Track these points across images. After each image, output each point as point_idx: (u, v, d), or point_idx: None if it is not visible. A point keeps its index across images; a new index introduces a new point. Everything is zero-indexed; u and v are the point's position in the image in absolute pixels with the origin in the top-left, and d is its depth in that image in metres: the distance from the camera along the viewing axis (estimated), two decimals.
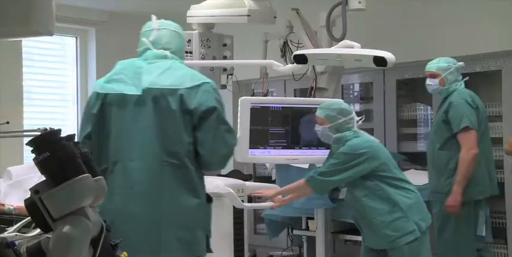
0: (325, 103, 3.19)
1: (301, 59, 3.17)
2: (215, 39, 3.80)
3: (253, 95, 4.31)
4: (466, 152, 3.54)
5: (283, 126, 3.45)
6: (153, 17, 2.45)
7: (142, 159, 2.24)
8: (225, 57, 3.88)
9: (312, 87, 4.00)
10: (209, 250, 2.35)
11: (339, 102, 3.24)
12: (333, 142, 3.13)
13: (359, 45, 3.28)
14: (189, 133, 2.25)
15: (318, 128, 3.16)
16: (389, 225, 2.96)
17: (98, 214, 1.34)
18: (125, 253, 1.39)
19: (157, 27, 2.40)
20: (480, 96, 3.77)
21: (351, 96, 5.26)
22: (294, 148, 3.48)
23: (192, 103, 2.23)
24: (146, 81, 2.27)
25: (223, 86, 3.93)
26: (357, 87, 5.21)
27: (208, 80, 2.34)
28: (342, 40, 3.81)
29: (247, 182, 3.54)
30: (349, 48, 3.19)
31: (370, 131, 4.89)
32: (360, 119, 3.18)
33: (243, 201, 3.32)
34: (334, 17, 3.91)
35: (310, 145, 3.41)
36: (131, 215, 2.23)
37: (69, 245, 1.23)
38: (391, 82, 4.73)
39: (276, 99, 3.50)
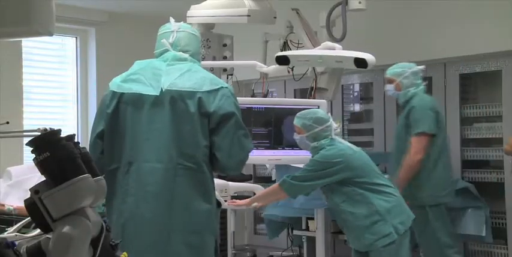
0: (302, 112, 3.22)
1: (283, 60, 3.20)
2: (215, 40, 3.80)
3: (253, 95, 4.32)
4: (412, 156, 3.60)
5: (266, 127, 3.49)
6: (172, 20, 2.44)
7: (157, 161, 2.22)
8: (225, 58, 3.89)
9: (312, 88, 4.00)
10: (217, 255, 2.34)
11: (314, 110, 3.26)
12: (311, 150, 3.18)
13: (340, 47, 3.33)
14: (206, 136, 2.24)
15: (296, 136, 3.21)
16: (368, 229, 3.01)
17: (98, 214, 1.34)
18: (124, 253, 1.39)
19: (177, 29, 2.39)
20: (480, 97, 3.78)
21: (351, 96, 5.26)
22: (277, 149, 3.52)
23: (211, 107, 2.23)
24: (166, 83, 2.25)
25: None
26: (357, 87, 5.21)
27: (226, 84, 2.34)
28: (342, 40, 3.81)
29: (230, 182, 3.55)
30: (331, 49, 3.22)
31: (370, 131, 4.90)
32: (338, 127, 3.24)
33: (226, 201, 3.33)
34: (334, 17, 3.91)
35: (293, 146, 3.44)
36: (143, 217, 2.22)
37: (69, 246, 1.23)
38: None
39: (259, 100, 3.52)
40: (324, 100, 3.68)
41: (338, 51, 3.22)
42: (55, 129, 1.32)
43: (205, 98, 2.23)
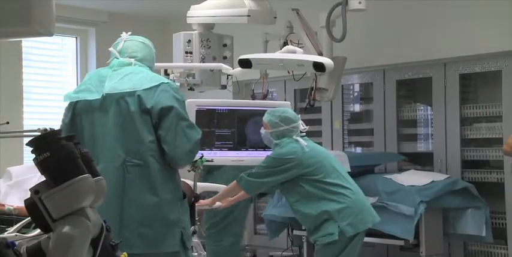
0: (272, 109, 3.34)
1: (245, 64, 3.24)
2: (215, 40, 3.80)
3: (253, 95, 4.32)
4: None
5: (229, 128, 3.53)
6: (123, 33, 2.61)
7: (106, 161, 2.34)
8: (225, 58, 3.88)
9: (312, 88, 4.00)
10: (186, 246, 2.39)
11: (284, 109, 3.34)
12: (273, 146, 3.27)
13: (301, 50, 3.39)
14: (150, 132, 2.34)
15: (262, 131, 3.31)
16: (318, 228, 3.13)
17: (98, 214, 1.34)
18: (124, 253, 1.39)
19: (125, 38, 2.56)
20: (480, 97, 3.76)
21: (351, 96, 5.26)
22: (240, 150, 3.58)
23: (149, 103, 2.34)
24: (107, 87, 2.40)
25: (224, 87, 3.93)
26: (357, 87, 5.20)
27: (167, 80, 2.45)
28: (342, 40, 3.81)
29: (198, 183, 3.57)
30: (292, 53, 3.27)
31: (370, 132, 4.90)
32: (304, 129, 3.30)
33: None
34: (334, 18, 3.91)
35: (256, 147, 3.50)
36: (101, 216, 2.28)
37: (69, 246, 1.23)
38: (391, 82, 4.73)
39: (222, 102, 3.57)
40: (287, 102, 3.74)
41: (298, 55, 3.30)
42: (55, 129, 1.32)
43: (144, 95, 2.35)
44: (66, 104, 2.51)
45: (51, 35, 1.19)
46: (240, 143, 3.58)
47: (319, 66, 3.12)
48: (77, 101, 2.43)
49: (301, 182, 3.16)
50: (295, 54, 3.28)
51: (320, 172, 3.15)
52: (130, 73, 2.43)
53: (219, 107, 3.55)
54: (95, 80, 2.45)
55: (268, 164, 3.18)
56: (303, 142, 3.23)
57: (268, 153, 3.32)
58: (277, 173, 3.15)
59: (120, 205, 2.32)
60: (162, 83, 2.38)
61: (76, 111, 2.44)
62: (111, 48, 2.55)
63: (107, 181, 2.27)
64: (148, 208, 2.32)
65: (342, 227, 3.07)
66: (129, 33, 2.58)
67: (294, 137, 3.23)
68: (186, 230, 2.40)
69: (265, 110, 3.35)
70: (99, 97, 2.38)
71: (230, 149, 3.58)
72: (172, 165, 2.41)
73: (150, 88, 2.35)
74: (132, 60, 2.48)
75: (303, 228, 4.29)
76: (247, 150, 3.59)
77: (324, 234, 3.11)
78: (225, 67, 3.54)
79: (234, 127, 3.56)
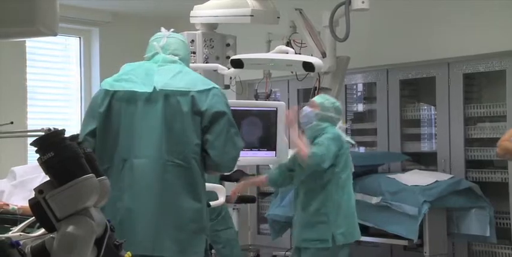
0: (326, 95, 3.44)
1: (237, 64, 3.25)
2: (218, 40, 3.80)
3: (256, 95, 4.32)
4: None
5: None
6: (163, 29, 2.53)
7: (148, 157, 2.26)
8: (228, 58, 3.88)
9: (315, 88, 4.00)
10: (207, 254, 2.36)
11: (338, 102, 3.46)
12: (310, 126, 3.29)
13: (293, 50, 3.41)
14: (198, 135, 2.29)
15: (306, 108, 3.35)
16: (310, 228, 3.17)
17: (102, 213, 1.34)
18: (129, 252, 1.39)
19: (168, 35, 2.49)
20: (484, 96, 3.75)
21: (354, 96, 5.25)
22: None
23: (203, 105, 2.29)
24: (159, 83, 2.31)
25: (227, 87, 3.93)
26: (360, 87, 5.20)
27: (216, 85, 2.41)
28: (345, 40, 3.81)
29: None
30: (284, 53, 3.29)
31: (374, 131, 4.90)
32: (341, 125, 3.38)
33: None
34: (338, 17, 3.91)
35: (251, 147, 3.48)
36: (138, 213, 2.25)
37: (73, 245, 1.23)
38: (394, 82, 4.72)
39: None
40: (282, 102, 3.74)
41: (289, 55, 3.30)
42: (59, 129, 1.33)
43: (198, 97, 2.30)
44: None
45: (55, 35, 1.20)
46: None
47: (308, 66, 3.13)
48: (116, 90, 2.32)
49: (324, 173, 3.16)
50: (284, 54, 3.30)
51: (343, 172, 3.20)
52: (180, 72, 2.36)
53: None
54: (139, 72, 2.36)
55: (329, 143, 3.16)
56: (344, 136, 3.29)
57: (264, 153, 3.33)
58: (335, 152, 3.17)
59: (158, 205, 2.25)
60: (214, 87, 2.34)
61: (115, 100, 2.30)
62: (153, 43, 2.45)
63: (146, 177, 2.22)
64: (186, 212, 2.26)
65: (334, 234, 3.11)
66: (172, 30, 2.51)
67: (336, 128, 3.29)
68: (208, 237, 2.36)
69: (260, 110, 3.36)
70: (149, 91, 2.29)
71: None
72: (214, 170, 2.38)
73: (203, 91, 2.30)
74: (176, 58, 2.42)
75: None
76: (242, 150, 3.58)
77: (316, 238, 3.13)
78: (220, 67, 3.54)
79: None
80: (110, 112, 2.31)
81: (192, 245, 2.29)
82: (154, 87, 2.30)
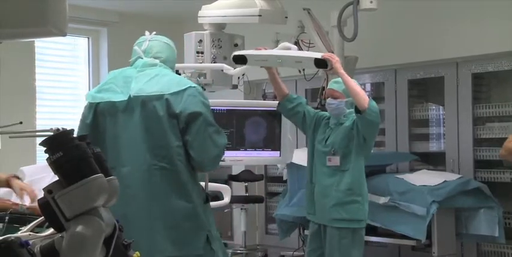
0: (337, 80, 3.26)
1: (240, 60, 3.19)
2: (226, 40, 3.80)
3: (264, 95, 4.32)
4: None
5: (227, 128, 3.52)
6: (147, 33, 2.56)
7: (132, 164, 2.31)
8: None
9: (323, 87, 3.99)
10: (212, 248, 2.38)
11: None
12: (347, 116, 3.23)
13: (295, 47, 3.36)
14: (177, 137, 2.31)
15: (332, 101, 3.24)
16: (342, 206, 3.16)
17: (111, 213, 1.34)
18: (137, 252, 1.40)
19: (150, 38, 2.51)
20: (493, 96, 3.74)
21: None
22: (239, 150, 3.55)
23: (177, 107, 2.30)
24: (134, 89, 2.36)
25: (235, 87, 3.92)
26: (368, 87, 5.19)
27: (194, 84, 2.41)
28: (353, 40, 3.80)
29: (201, 182, 3.61)
30: (287, 50, 3.24)
31: (382, 131, 4.88)
32: None
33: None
34: (346, 17, 3.90)
35: (255, 147, 3.49)
36: (126, 219, 2.25)
37: (82, 245, 1.24)
38: (402, 82, 4.71)
39: (220, 102, 3.57)
40: None
41: (298, 51, 3.27)
42: (68, 129, 1.33)
43: (172, 99, 2.31)
44: (79, 103, 2.49)
45: (64, 35, 1.20)
46: (239, 143, 3.56)
47: (321, 63, 3.08)
48: (99, 101, 2.38)
49: (366, 152, 3.19)
50: (294, 51, 3.25)
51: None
52: (156, 75, 2.39)
53: (217, 107, 3.53)
54: (119, 80, 2.40)
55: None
56: None
57: (268, 153, 3.32)
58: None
59: (148, 209, 2.30)
60: (190, 87, 2.35)
61: (99, 111, 2.38)
62: (135, 47, 2.49)
63: (133, 184, 2.25)
64: (176, 211, 2.30)
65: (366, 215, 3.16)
66: (154, 32, 2.53)
67: None
68: (211, 232, 2.38)
69: (264, 110, 3.34)
70: (126, 99, 2.34)
71: (229, 149, 3.58)
72: (199, 170, 2.39)
73: (178, 92, 2.32)
74: (157, 61, 2.44)
75: None
76: (246, 150, 3.57)
77: (352, 218, 3.13)
78: (226, 67, 3.54)
79: (233, 127, 3.56)
80: (95, 123, 2.38)
81: (189, 242, 2.33)
82: (129, 95, 2.34)
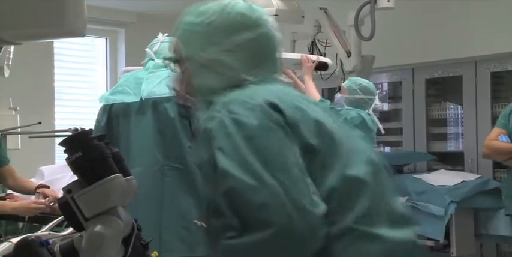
0: (355, 77, 3.45)
1: None
2: None
3: None
4: None
5: None
6: (160, 34, 2.59)
7: (142, 164, 2.33)
8: None
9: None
10: None
11: (365, 80, 3.45)
12: (341, 112, 3.31)
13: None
14: (189, 137, 2.32)
15: (337, 95, 3.40)
16: None
17: (129, 213, 1.35)
18: (155, 252, 1.40)
19: (162, 40, 2.54)
20: None
21: (380, 95, 5.19)
22: None
23: None
24: (145, 91, 2.38)
25: None
26: (385, 86, 5.16)
27: None
28: (370, 39, 3.78)
29: None
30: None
31: (399, 131, 4.86)
32: (377, 106, 3.43)
33: None
34: (363, 16, 3.88)
35: None
36: (141, 219, 2.26)
37: (101, 244, 1.24)
38: (420, 81, 4.68)
39: None
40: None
41: (296, 54, 3.30)
42: (87, 129, 1.34)
43: None
44: (96, 104, 2.51)
45: (83, 35, 1.21)
46: None
47: (321, 66, 3.13)
48: (112, 103, 2.41)
49: None
50: (294, 53, 3.31)
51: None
52: (167, 77, 2.38)
53: None
54: (131, 82, 2.43)
55: (353, 118, 3.20)
56: (376, 120, 3.32)
57: None
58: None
59: (160, 209, 2.31)
60: None
61: (112, 113, 2.41)
62: (147, 49, 2.52)
63: (144, 184, 2.30)
64: (188, 212, 2.31)
65: None
66: (166, 34, 2.55)
67: (369, 111, 3.29)
68: None
69: None
70: (138, 100, 2.36)
71: None
72: None
73: None
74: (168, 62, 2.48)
75: None
76: None
77: None
78: None
79: None
80: (109, 125, 2.41)
81: (200, 242, 2.32)
82: (141, 97, 2.36)
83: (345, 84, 3.37)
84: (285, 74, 3.30)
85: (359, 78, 3.45)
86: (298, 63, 3.21)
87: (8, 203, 2.58)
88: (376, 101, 3.34)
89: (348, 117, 3.24)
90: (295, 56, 3.21)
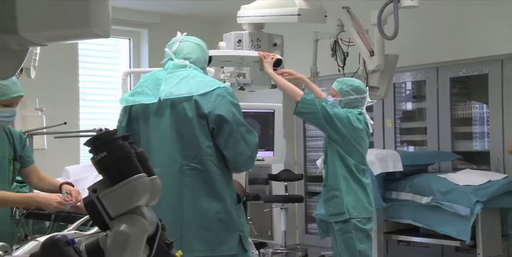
0: (343, 78, 3.40)
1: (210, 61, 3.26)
2: (265, 39, 3.80)
3: None
4: None
5: None
6: (178, 33, 2.57)
7: (162, 165, 2.32)
8: None
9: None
10: (245, 249, 2.39)
11: (355, 80, 3.40)
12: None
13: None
14: (207, 137, 2.33)
15: (329, 99, 3.36)
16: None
17: (154, 213, 1.36)
18: (180, 251, 1.41)
19: (180, 39, 2.53)
20: None
21: (403, 94, 5.17)
22: None
23: (206, 108, 2.31)
24: (163, 92, 2.38)
25: (274, 86, 3.92)
26: (409, 85, 5.12)
27: (223, 84, 2.42)
28: (393, 38, 3.75)
29: None
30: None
31: (423, 130, 4.81)
32: (371, 102, 3.36)
33: None
34: (386, 15, 3.85)
35: None
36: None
37: (126, 243, 1.25)
38: (444, 80, 4.63)
39: None
40: (280, 104, 3.72)
41: (244, 51, 3.32)
42: (111, 129, 1.35)
43: (200, 100, 2.32)
44: (120, 105, 2.53)
45: (107, 36, 1.22)
46: None
47: (277, 62, 3.18)
48: (132, 105, 2.42)
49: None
50: (252, 51, 3.31)
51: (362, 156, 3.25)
52: (186, 77, 2.41)
53: None
54: (150, 82, 2.44)
55: (338, 113, 3.17)
56: (368, 118, 3.28)
57: (262, 153, 3.37)
58: (330, 121, 3.17)
59: (180, 209, 2.32)
60: (218, 87, 2.36)
61: (132, 114, 2.43)
62: (166, 49, 2.52)
63: (164, 185, 2.32)
64: (208, 212, 2.32)
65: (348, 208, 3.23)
66: (185, 33, 2.55)
67: (362, 109, 3.27)
68: (244, 233, 2.39)
69: (257, 112, 3.42)
70: (156, 101, 2.37)
71: None
72: (234, 170, 2.41)
73: (206, 93, 2.33)
74: (187, 62, 2.46)
75: None
76: None
77: (337, 212, 3.25)
78: (211, 71, 3.58)
79: None
80: (130, 126, 2.42)
81: (222, 242, 2.34)
82: (160, 97, 2.37)
83: (335, 87, 3.32)
84: (291, 74, 3.32)
85: (346, 78, 3.40)
86: (257, 61, 3.23)
87: (35, 195, 2.61)
88: (368, 99, 3.31)
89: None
90: (254, 53, 3.26)
